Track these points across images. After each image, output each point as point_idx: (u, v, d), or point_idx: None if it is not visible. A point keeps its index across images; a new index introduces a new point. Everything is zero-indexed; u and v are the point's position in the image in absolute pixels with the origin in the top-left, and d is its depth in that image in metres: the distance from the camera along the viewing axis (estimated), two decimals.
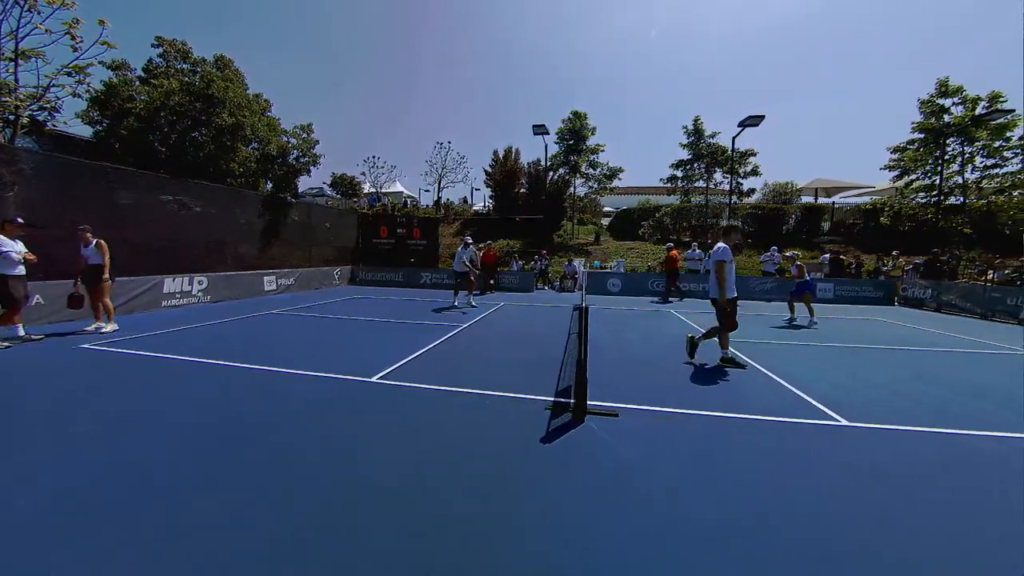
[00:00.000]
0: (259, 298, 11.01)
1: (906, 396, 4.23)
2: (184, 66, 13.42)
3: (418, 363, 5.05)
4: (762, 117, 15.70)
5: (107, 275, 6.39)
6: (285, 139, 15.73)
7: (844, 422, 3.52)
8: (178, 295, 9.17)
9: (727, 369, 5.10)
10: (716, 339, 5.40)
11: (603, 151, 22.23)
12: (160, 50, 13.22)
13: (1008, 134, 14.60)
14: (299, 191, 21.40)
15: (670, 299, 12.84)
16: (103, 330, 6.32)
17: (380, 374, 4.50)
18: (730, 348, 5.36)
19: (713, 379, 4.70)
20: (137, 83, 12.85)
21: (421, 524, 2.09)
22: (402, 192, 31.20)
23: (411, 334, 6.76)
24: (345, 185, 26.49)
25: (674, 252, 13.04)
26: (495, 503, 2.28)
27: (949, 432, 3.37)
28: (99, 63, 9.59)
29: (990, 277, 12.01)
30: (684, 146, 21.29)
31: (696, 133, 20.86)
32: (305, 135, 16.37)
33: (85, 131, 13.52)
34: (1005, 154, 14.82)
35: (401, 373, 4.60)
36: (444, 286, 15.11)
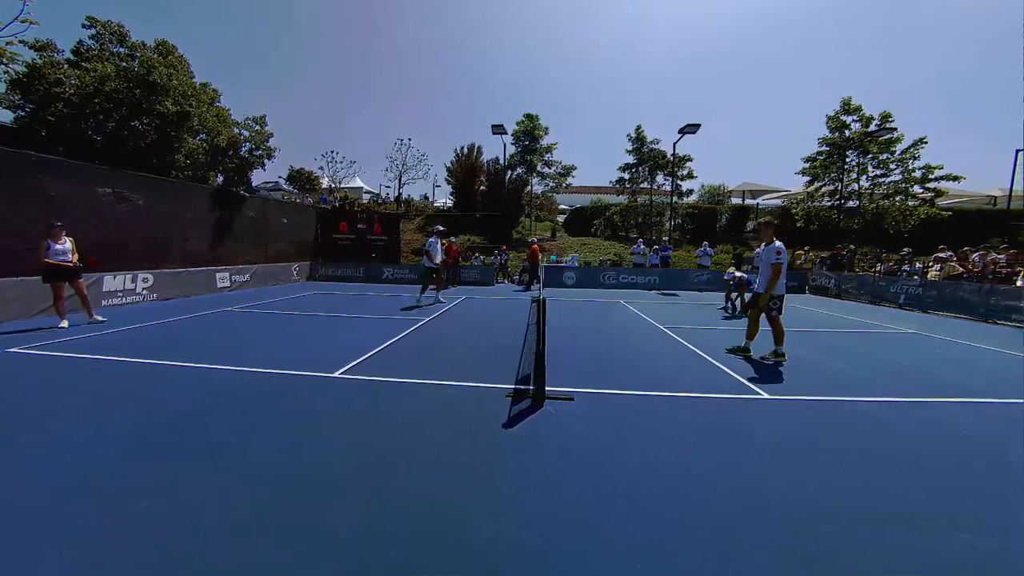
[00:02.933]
0: (212, 295, 10.19)
1: (814, 371, 4.71)
2: (121, 50, 11.97)
3: (381, 357, 4.92)
4: (698, 125, 16.59)
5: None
6: (236, 131, 14.53)
7: (765, 395, 3.87)
8: (120, 293, 8.28)
9: (675, 353, 5.41)
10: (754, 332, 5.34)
11: (556, 149, 22.54)
12: (92, 31, 11.69)
13: (893, 148, 16.45)
14: (253, 185, 19.91)
15: (532, 287, 13.31)
16: (99, 320, 6.41)
17: (342, 369, 4.35)
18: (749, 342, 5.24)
19: (658, 362, 4.97)
20: (66, 66, 11.31)
21: (381, 513, 2.06)
22: (362, 188, 29.95)
23: (374, 329, 6.56)
24: (303, 180, 25.00)
25: (535, 246, 13.65)
26: (459, 487, 2.30)
27: (848, 399, 3.80)
28: (20, 42, 8.34)
29: (878, 269, 13.55)
30: (629, 151, 22.05)
31: (639, 140, 21.66)
32: (258, 127, 15.21)
33: (4, 116, 11.76)
34: (890, 166, 16.71)
35: (364, 367, 4.46)
36: (407, 281, 14.75)
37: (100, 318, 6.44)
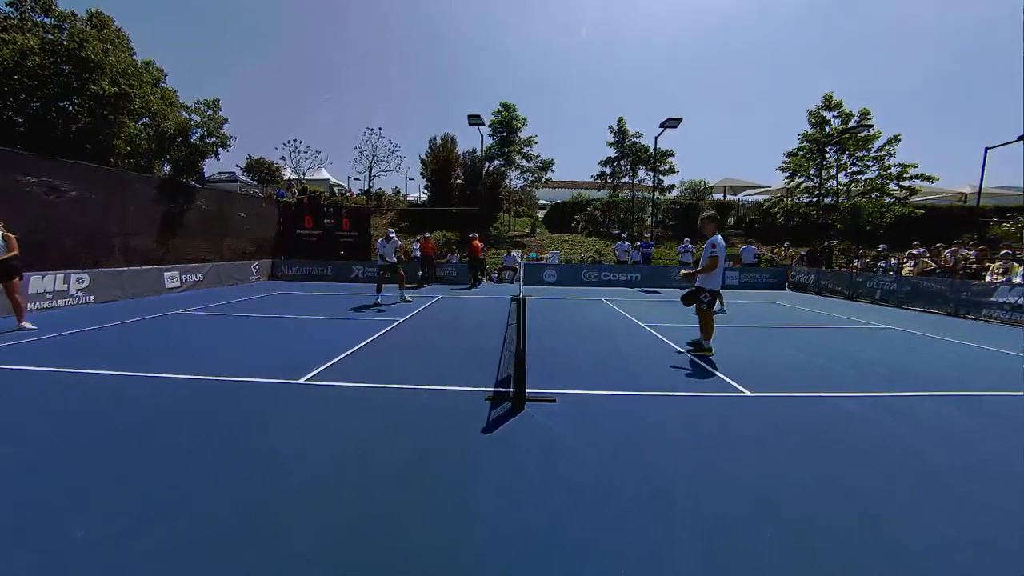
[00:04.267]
0: (159, 297, 9.68)
1: (795, 367, 4.91)
2: (46, 20, 11.13)
3: (351, 361, 4.80)
4: (680, 119, 17.00)
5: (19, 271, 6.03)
6: (185, 115, 13.83)
7: (747, 393, 3.99)
8: (50, 296, 7.73)
9: (658, 351, 5.52)
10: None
11: (536, 143, 22.62)
12: None
13: (869, 146, 17.39)
14: (205, 176, 19.05)
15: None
16: (28, 327, 5.94)
17: (308, 375, 4.21)
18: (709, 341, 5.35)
19: (641, 361, 5.05)
20: None
21: (351, 527, 2.00)
22: (328, 180, 29.15)
23: (343, 331, 6.40)
24: (262, 170, 24.11)
25: (476, 242, 13.52)
26: (436, 496, 2.26)
27: (830, 395, 3.97)
28: None
29: (855, 265, 14.30)
30: (611, 145, 22.38)
31: (621, 133, 22.01)
32: (211, 112, 14.51)
33: None
34: (867, 163, 17.66)
35: (332, 373, 4.34)
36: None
37: (30, 325, 5.97)
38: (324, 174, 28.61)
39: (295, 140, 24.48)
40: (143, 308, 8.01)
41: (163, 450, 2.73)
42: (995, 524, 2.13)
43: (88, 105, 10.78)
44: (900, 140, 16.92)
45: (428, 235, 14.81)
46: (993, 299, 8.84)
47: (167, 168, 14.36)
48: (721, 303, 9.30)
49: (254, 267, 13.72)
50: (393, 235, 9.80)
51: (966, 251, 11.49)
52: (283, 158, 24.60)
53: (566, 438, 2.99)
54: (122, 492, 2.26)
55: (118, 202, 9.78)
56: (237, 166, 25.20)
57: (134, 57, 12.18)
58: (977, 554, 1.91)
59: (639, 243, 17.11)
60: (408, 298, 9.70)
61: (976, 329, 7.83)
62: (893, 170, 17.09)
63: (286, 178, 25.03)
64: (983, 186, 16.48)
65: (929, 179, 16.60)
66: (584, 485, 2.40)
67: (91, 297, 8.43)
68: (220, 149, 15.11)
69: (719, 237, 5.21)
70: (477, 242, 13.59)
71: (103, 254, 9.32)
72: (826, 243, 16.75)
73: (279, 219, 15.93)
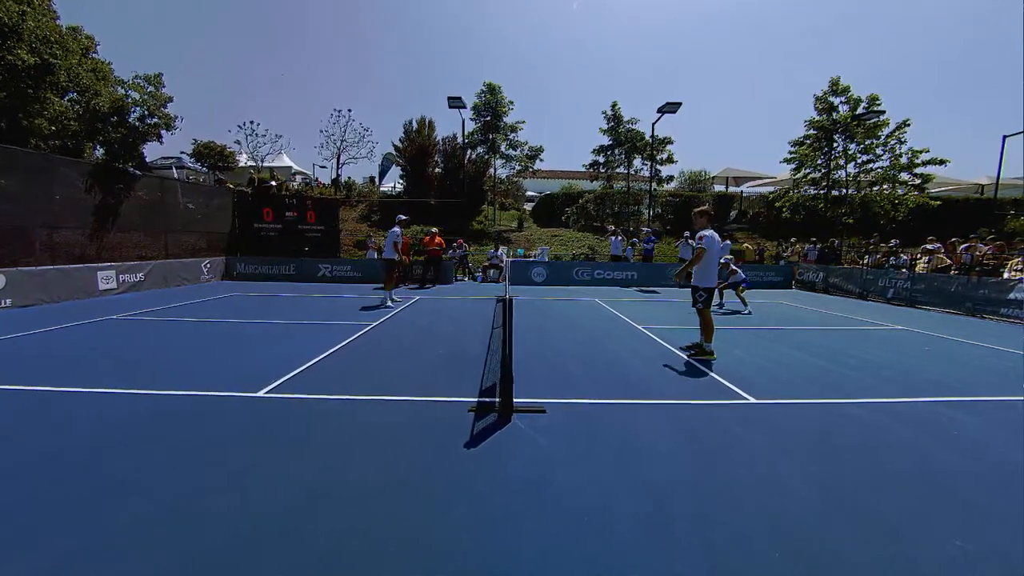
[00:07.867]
0: (92, 300, 9.33)
1: (802, 372, 5.01)
2: None
3: (317, 371, 4.71)
4: (679, 104, 17.25)
5: None
6: (122, 92, 13.40)
7: (752, 400, 4.06)
8: None
9: (655, 356, 5.58)
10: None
11: (522, 128, 22.61)
12: None
13: (879, 133, 17.90)
14: (147, 161, 18.50)
15: (426, 285, 13.32)
16: None
17: (269, 387, 4.11)
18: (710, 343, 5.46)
19: (637, 366, 5.10)
20: None
21: (324, 558, 1.95)
22: (291, 167, 28.62)
23: (308, 337, 6.28)
24: (213, 156, 23.50)
25: (438, 237, 13.62)
26: (414, 522, 2.22)
27: (838, 402, 4.07)
28: None
29: (865, 261, 14.73)
30: (604, 132, 22.52)
31: (615, 119, 22.18)
32: (152, 89, 14.10)
33: None
34: (877, 151, 18.18)
35: (295, 384, 4.25)
36: (348, 279, 14.28)
37: None
38: (286, 160, 28.06)
39: (251, 122, 23.82)
40: (71, 313, 7.70)
41: (96, 477, 2.62)
42: (1013, 536, 2.20)
43: (2, 77, 10.34)
44: (910, 124, 17.42)
45: (435, 230, 14.58)
46: (1011, 296, 9.19)
47: (100, 152, 13.90)
48: (744, 303, 9.41)
49: (205, 266, 13.37)
50: (397, 228, 9.53)
51: (982, 246, 11.91)
52: (238, 142, 23.98)
53: (558, 452, 2.98)
54: (50, 528, 2.16)
55: (40, 190, 9.40)
56: (183, 152, 24.51)
57: (58, 22, 11.74)
58: (996, 568, 1.97)
59: (634, 240, 17.23)
60: (391, 301, 9.49)
61: (994, 330, 8.14)
62: (903, 158, 17.59)
63: (242, 164, 24.46)
64: (1001, 176, 17.07)
65: (941, 162, 17.07)
66: (579, 505, 2.39)
67: (7, 300, 8.07)
68: (164, 131, 14.72)
69: (710, 230, 5.41)
70: (439, 237, 13.62)
71: (22, 251, 8.95)
72: (875, 236, 17.02)
73: (234, 211, 15.56)
